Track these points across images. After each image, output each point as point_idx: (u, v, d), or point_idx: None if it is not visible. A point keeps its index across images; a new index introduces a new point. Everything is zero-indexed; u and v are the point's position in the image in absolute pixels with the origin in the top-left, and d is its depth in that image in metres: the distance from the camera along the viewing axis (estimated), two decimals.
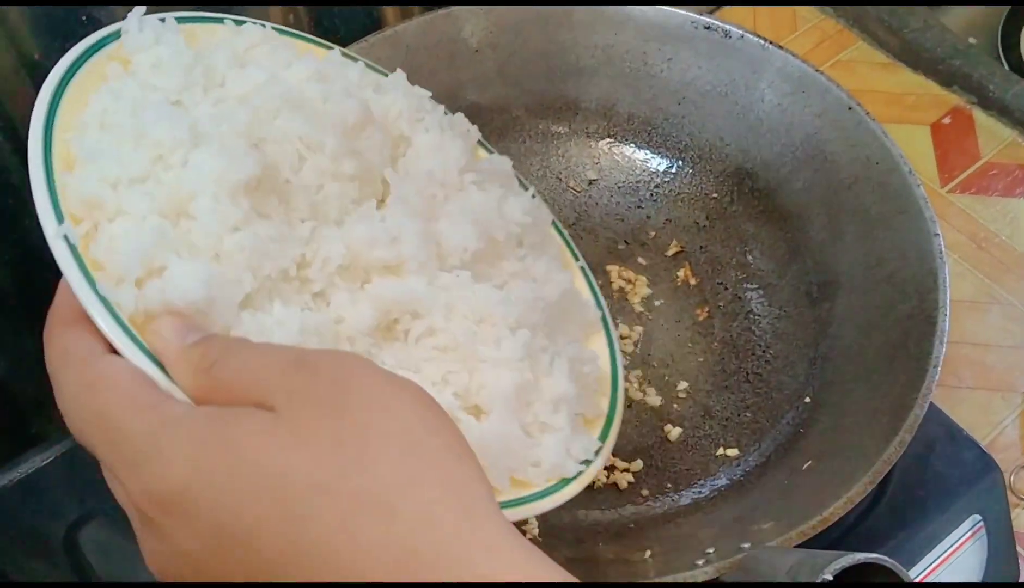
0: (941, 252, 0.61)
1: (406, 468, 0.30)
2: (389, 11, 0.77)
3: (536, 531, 0.61)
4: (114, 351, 0.37)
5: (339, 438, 0.30)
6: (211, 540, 0.31)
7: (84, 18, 0.59)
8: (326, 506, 0.29)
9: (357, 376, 0.32)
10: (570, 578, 0.30)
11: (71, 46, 0.60)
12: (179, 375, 0.35)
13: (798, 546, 0.53)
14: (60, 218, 0.38)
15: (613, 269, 0.74)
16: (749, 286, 0.72)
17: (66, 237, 0.38)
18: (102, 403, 0.34)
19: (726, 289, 0.72)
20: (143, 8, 0.47)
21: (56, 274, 0.68)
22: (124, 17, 0.61)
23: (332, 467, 0.30)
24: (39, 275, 0.68)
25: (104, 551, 0.63)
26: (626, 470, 0.64)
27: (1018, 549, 0.73)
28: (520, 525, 0.61)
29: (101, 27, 0.60)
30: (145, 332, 0.37)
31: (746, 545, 0.53)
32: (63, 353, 0.37)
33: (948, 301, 0.60)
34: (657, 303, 0.73)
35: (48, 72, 0.60)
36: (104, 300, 0.37)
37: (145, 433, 0.33)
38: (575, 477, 0.46)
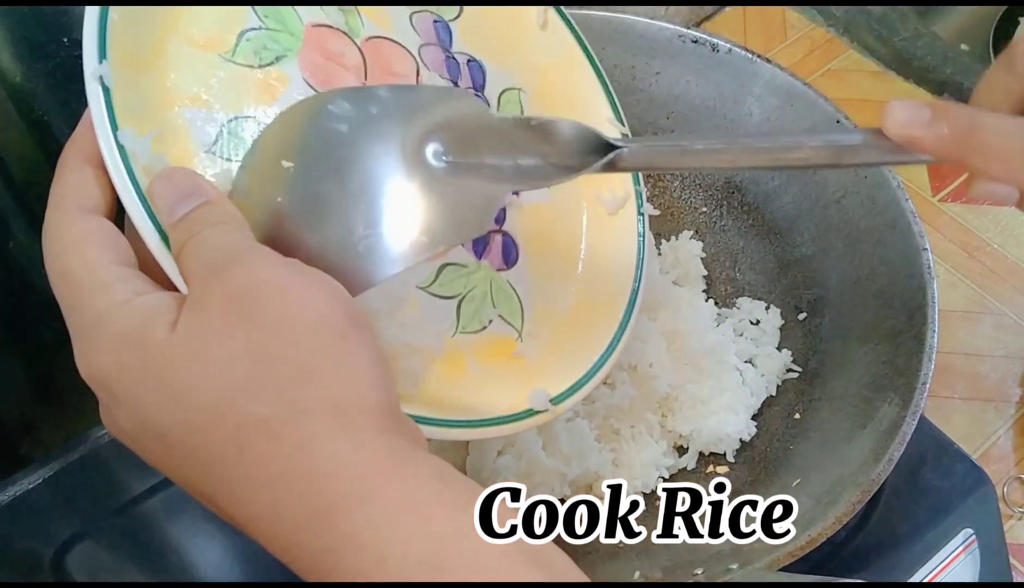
0: (930, 267, 0.61)
1: (292, 394, 0.32)
2: None
3: None
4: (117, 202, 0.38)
5: (232, 356, 0.33)
6: (136, 428, 0.35)
7: (66, 40, 0.59)
8: (218, 425, 0.32)
9: (264, 285, 0.34)
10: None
11: (53, 69, 0.60)
12: (171, 239, 0.37)
13: (787, 567, 0.53)
14: (103, 57, 0.39)
15: None
16: (739, 300, 0.72)
17: (101, 78, 0.39)
18: (69, 266, 0.36)
19: (716, 304, 0.72)
20: None
21: (43, 297, 0.68)
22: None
23: (224, 388, 0.32)
24: (23, 298, 0.68)
25: (92, 573, 0.63)
26: None
27: (1012, 561, 0.73)
28: None
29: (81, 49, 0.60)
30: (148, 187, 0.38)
31: (734, 566, 0.53)
32: (61, 196, 0.38)
33: (937, 317, 0.60)
34: None
35: (29, 96, 0.60)
36: (121, 147, 0.37)
37: (91, 314, 0.35)
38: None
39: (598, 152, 0.42)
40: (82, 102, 0.62)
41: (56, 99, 0.61)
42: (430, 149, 0.42)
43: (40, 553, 0.64)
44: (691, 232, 0.74)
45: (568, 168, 0.43)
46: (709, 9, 1.05)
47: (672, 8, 0.99)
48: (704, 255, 0.73)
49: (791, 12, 1.07)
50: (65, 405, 0.76)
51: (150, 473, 0.67)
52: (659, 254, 0.72)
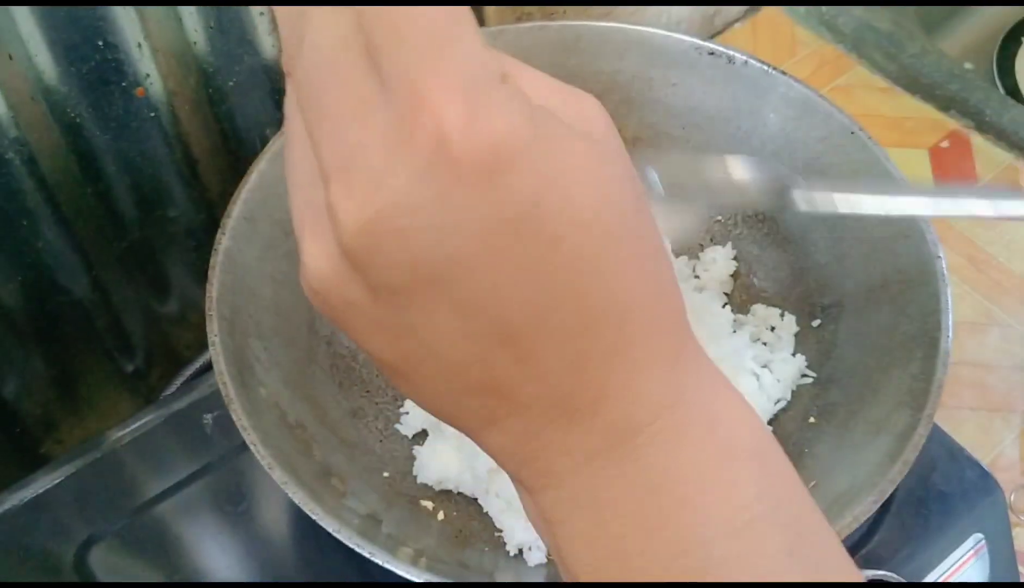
0: (943, 275, 0.62)
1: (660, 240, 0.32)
2: None
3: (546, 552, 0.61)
4: None
5: (632, 185, 0.30)
6: (521, 211, 0.27)
7: (101, 43, 0.60)
8: (626, 240, 0.29)
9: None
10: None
11: (88, 72, 0.61)
12: None
13: None
14: None
15: None
16: (754, 307, 0.73)
17: None
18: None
19: (732, 311, 0.73)
20: None
21: (68, 297, 0.69)
22: (139, 44, 0.63)
23: (633, 206, 0.30)
24: (50, 297, 0.69)
25: (114, 572, 0.64)
26: None
27: (1019, 567, 0.73)
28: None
29: (118, 52, 0.62)
30: None
31: None
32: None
33: (951, 323, 0.61)
34: None
35: (65, 97, 0.61)
36: None
37: (493, 70, 0.28)
38: None
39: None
40: (114, 106, 0.64)
41: (89, 101, 0.62)
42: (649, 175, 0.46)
43: (61, 552, 0.64)
44: (721, 245, 0.75)
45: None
46: (719, 24, 1.06)
47: (684, 22, 1.00)
48: (737, 264, 0.74)
49: (800, 28, 1.09)
50: (85, 405, 0.77)
51: (168, 473, 0.67)
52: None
